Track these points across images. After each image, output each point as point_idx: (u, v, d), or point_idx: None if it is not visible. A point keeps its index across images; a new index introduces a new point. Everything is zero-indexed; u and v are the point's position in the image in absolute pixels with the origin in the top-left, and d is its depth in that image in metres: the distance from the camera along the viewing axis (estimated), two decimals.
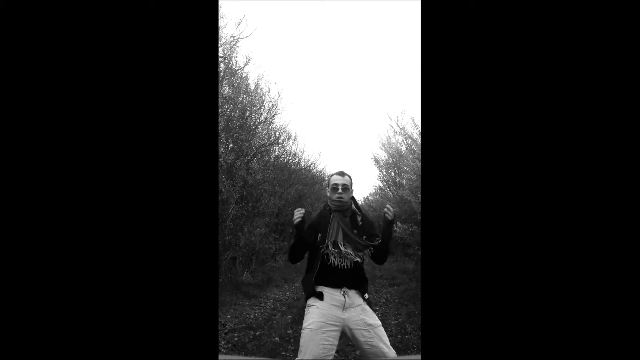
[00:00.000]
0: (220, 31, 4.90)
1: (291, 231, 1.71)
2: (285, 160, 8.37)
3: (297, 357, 1.57)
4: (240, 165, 5.37)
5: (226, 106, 5.32)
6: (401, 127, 7.25)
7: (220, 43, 4.96)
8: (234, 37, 5.15)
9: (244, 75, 5.91)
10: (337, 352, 2.58)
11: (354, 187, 1.76)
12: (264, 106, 6.57)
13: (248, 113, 6.00)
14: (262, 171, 6.10)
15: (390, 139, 8.63)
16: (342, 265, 1.62)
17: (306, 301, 1.71)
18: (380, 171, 9.40)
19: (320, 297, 1.64)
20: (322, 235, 1.65)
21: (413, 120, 6.71)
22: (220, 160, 4.89)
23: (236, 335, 3.23)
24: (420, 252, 4.93)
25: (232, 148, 5.43)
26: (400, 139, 7.81)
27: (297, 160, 9.07)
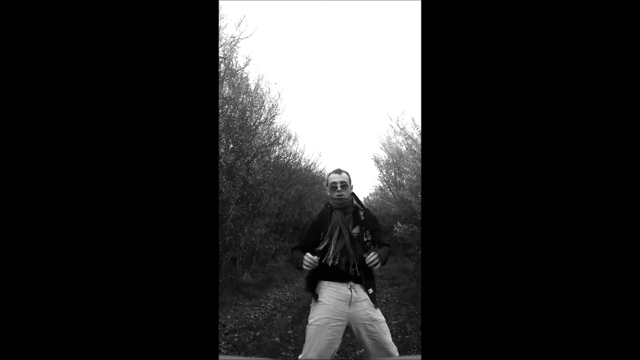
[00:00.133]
0: (220, 31, 4.90)
1: (293, 265, 1.70)
2: (285, 160, 8.37)
3: (302, 351, 1.58)
4: (240, 166, 5.37)
5: (226, 106, 5.32)
6: (401, 127, 7.26)
7: (220, 43, 4.96)
8: (234, 37, 5.15)
9: (244, 75, 5.91)
10: (337, 352, 2.58)
11: (352, 183, 1.76)
12: (264, 106, 6.57)
13: (248, 113, 6.00)
14: (262, 171, 6.10)
15: (390, 139, 8.64)
16: (350, 261, 1.62)
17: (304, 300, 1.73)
18: (380, 171, 9.41)
19: (316, 298, 1.65)
20: (324, 234, 1.66)
21: (413, 120, 6.71)
22: (220, 160, 4.89)
23: (236, 335, 3.23)
24: (420, 252, 4.93)
25: (232, 148, 5.43)
26: (400, 139, 7.81)
27: (297, 160, 9.08)
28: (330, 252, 1.63)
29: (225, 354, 2.75)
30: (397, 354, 1.62)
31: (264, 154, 6.65)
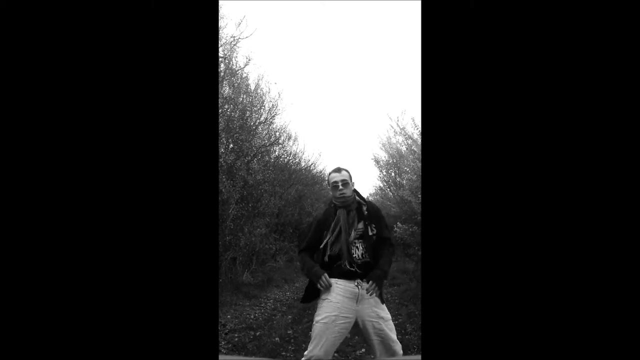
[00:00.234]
0: (220, 31, 4.90)
1: (304, 271, 1.77)
2: (285, 160, 8.38)
3: (308, 348, 1.59)
4: (240, 165, 5.37)
5: (226, 106, 5.32)
6: (401, 127, 7.26)
7: (220, 43, 4.96)
8: (234, 37, 5.16)
9: (244, 75, 5.91)
10: (336, 352, 2.58)
11: (353, 180, 1.78)
12: (264, 106, 6.58)
13: (248, 113, 6.01)
14: (262, 171, 6.10)
15: (390, 139, 8.64)
16: (356, 256, 1.64)
17: (306, 298, 1.74)
18: (380, 171, 9.41)
19: (316, 295, 1.67)
20: (326, 232, 1.68)
21: (413, 120, 6.71)
22: (220, 160, 4.89)
23: (236, 335, 3.23)
24: (420, 252, 4.93)
25: (232, 148, 5.43)
26: (400, 139, 7.81)
27: (297, 160, 9.08)
28: (328, 250, 1.65)
29: (225, 354, 2.75)
30: (401, 352, 1.63)
31: (264, 154, 6.66)
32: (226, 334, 3.25)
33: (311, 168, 10.01)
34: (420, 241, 4.67)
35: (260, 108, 6.49)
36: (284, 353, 2.88)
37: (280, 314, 4.02)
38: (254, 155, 6.03)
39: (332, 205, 1.75)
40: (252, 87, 6.35)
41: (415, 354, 2.64)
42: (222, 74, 5.21)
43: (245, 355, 2.79)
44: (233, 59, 5.49)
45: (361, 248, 1.66)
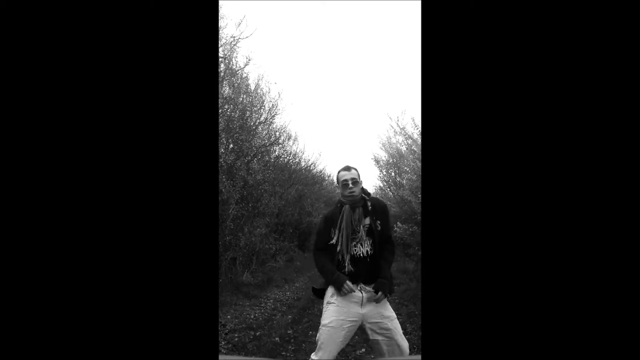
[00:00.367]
0: (220, 31, 4.90)
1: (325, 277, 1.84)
2: (285, 160, 8.38)
3: (315, 353, 1.60)
4: (240, 165, 5.37)
5: (226, 106, 5.32)
6: (401, 127, 7.24)
7: (220, 43, 4.96)
8: (234, 37, 5.16)
9: (244, 75, 5.91)
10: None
11: (361, 178, 1.80)
12: (264, 106, 6.58)
13: (248, 113, 6.00)
14: (262, 171, 6.10)
15: (390, 139, 8.62)
16: (358, 254, 1.66)
17: (317, 297, 1.76)
18: (380, 171, 9.39)
19: (321, 293, 1.68)
20: (334, 230, 1.70)
21: (413, 120, 6.70)
22: (220, 160, 4.89)
23: (236, 335, 3.23)
24: (420, 252, 4.93)
25: (232, 148, 5.43)
26: (400, 139, 7.80)
27: (297, 160, 9.08)
28: (337, 247, 1.66)
29: (225, 354, 2.75)
30: (408, 351, 1.64)
31: (264, 154, 6.66)
32: (226, 334, 3.25)
33: (311, 168, 10.01)
34: (420, 241, 4.66)
35: (260, 108, 6.49)
36: (284, 353, 2.87)
37: (280, 314, 4.02)
38: (254, 155, 6.03)
39: (339, 204, 1.76)
40: (252, 87, 6.35)
41: (415, 354, 2.64)
42: (222, 74, 5.21)
43: (245, 355, 2.79)
44: (233, 59, 5.49)
45: (367, 245, 1.67)
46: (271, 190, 6.56)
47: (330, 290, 1.70)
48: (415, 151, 5.79)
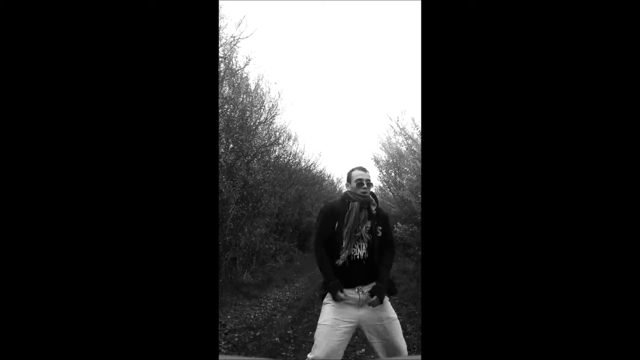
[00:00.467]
0: (220, 31, 4.90)
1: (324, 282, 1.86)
2: (285, 160, 8.38)
3: (311, 351, 1.59)
4: (240, 165, 5.37)
5: (226, 106, 5.32)
6: (401, 127, 7.24)
7: (220, 43, 4.96)
8: (234, 37, 5.15)
9: (244, 75, 5.91)
10: None
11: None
12: (264, 106, 6.58)
13: (248, 113, 6.00)
14: (262, 171, 6.10)
15: (390, 139, 8.62)
16: (355, 255, 1.66)
17: (321, 299, 1.75)
18: (380, 171, 9.39)
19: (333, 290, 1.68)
20: (339, 225, 1.70)
21: (413, 120, 6.69)
22: (220, 160, 4.89)
23: (236, 335, 3.23)
24: (420, 252, 4.93)
25: (232, 148, 5.43)
26: (400, 139, 7.79)
27: (297, 160, 9.08)
28: (342, 241, 1.66)
29: (225, 354, 2.75)
30: (406, 352, 1.64)
31: (264, 154, 6.66)
32: (226, 334, 3.25)
33: (311, 168, 10.02)
34: (420, 241, 4.66)
35: (260, 108, 6.49)
36: (284, 353, 2.87)
37: (280, 314, 4.02)
38: (254, 155, 6.03)
39: (347, 200, 1.76)
40: (252, 87, 6.35)
41: (415, 354, 2.64)
42: (222, 74, 5.21)
43: (245, 355, 2.79)
44: (233, 59, 5.49)
45: (364, 247, 1.68)
46: (271, 190, 6.56)
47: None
48: (415, 151, 5.79)
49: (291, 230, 8.57)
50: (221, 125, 5.08)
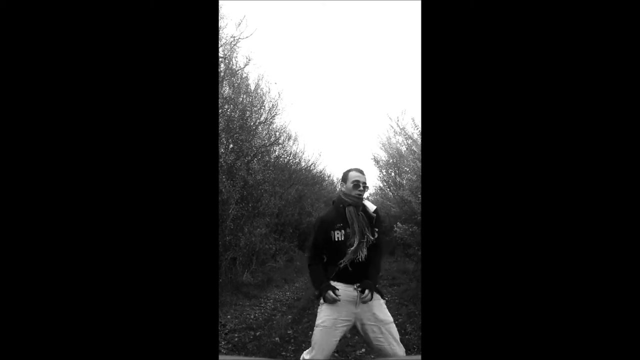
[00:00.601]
0: (220, 31, 4.89)
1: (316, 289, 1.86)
2: (285, 160, 8.37)
3: (309, 352, 1.60)
4: (240, 165, 5.37)
5: (226, 106, 5.32)
6: (401, 127, 7.24)
7: (220, 43, 4.96)
8: (234, 37, 5.15)
9: (244, 75, 5.90)
10: (336, 352, 2.58)
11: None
12: (264, 106, 6.57)
13: (248, 113, 6.00)
14: (262, 171, 6.10)
15: (390, 139, 8.62)
16: (358, 257, 1.67)
17: (317, 299, 1.75)
18: (380, 171, 9.39)
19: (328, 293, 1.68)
20: (339, 225, 1.70)
21: (413, 120, 6.69)
22: (220, 160, 4.89)
23: (236, 335, 3.23)
24: (420, 252, 4.92)
25: (232, 148, 5.43)
26: (400, 139, 7.79)
27: (297, 160, 9.08)
28: (352, 249, 1.66)
29: (225, 354, 2.75)
30: (404, 354, 1.64)
31: (264, 154, 6.65)
32: (226, 334, 3.25)
33: (311, 168, 10.01)
34: (420, 241, 4.66)
35: (260, 108, 6.48)
36: (284, 353, 2.87)
37: (280, 314, 4.02)
38: (254, 155, 6.02)
39: (341, 205, 1.76)
40: (252, 87, 6.35)
41: (415, 354, 2.64)
42: (222, 74, 5.21)
43: (245, 355, 2.79)
44: (233, 59, 5.49)
45: (365, 250, 1.69)
46: (271, 190, 6.56)
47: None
48: (415, 151, 5.79)
49: (291, 230, 8.56)
50: (221, 125, 5.08)
